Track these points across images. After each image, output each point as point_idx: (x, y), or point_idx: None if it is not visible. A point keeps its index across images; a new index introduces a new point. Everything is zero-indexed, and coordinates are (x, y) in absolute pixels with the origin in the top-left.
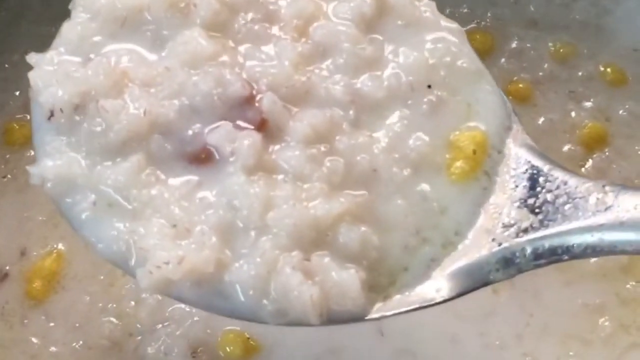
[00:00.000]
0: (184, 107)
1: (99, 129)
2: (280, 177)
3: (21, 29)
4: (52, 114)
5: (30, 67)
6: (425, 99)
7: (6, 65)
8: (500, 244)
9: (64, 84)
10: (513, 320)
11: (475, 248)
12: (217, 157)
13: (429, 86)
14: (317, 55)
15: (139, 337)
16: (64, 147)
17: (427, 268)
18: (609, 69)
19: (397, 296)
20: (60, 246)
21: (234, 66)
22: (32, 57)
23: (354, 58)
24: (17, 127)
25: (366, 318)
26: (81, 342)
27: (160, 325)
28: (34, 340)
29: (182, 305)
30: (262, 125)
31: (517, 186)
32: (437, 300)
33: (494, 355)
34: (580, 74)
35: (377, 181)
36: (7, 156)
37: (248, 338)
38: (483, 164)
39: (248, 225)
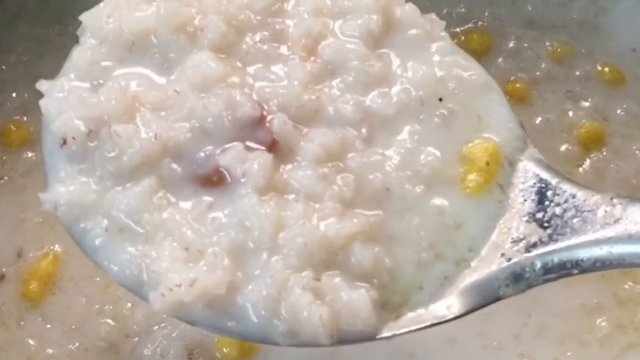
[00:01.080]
0: (195, 130)
1: (111, 154)
2: (292, 196)
3: (18, 31)
4: (64, 142)
5: (27, 71)
6: (437, 113)
7: (3, 67)
8: (509, 259)
9: (77, 110)
10: (511, 321)
11: (485, 264)
12: (228, 179)
13: (440, 99)
14: (326, 74)
15: (136, 339)
16: (75, 174)
17: (441, 286)
18: (606, 69)
19: (410, 314)
20: (57, 248)
21: (244, 87)
22: (42, 85)
23: (362, 75)
24: (14, 128)
25: (377, 337)
26: (77, 343)
27: (156, 327)
28: (31, 341)
29: None
30: (272, 146)
31: (525, 200)
32: (448, 318)
33: (491, 356)
34: (577, 73)
35: (390, 199)
36: (4, 158)
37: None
38: (497, 176)
39: (259, 245)
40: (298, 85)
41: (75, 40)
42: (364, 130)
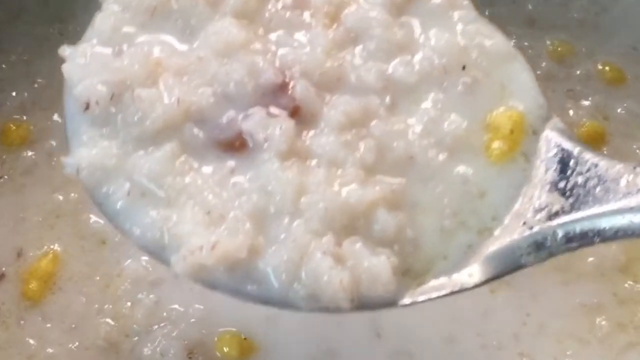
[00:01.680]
0: (217, 95)
1: (134, 118)
2: (314, 162)
3: (18, 30)
4: (87, 106)
5: (27, 70)
6: (460, 81)
7: (3, 66)
8: (531, 228)
9: (100, 74)
10: (510, 320)
11: (508, 232)
12: (250, 144)
13: (464, 67)
14: (349, 41)
15: (136, 338)
16: (98, 137)
17: (464, 255)
18: (607, 68)
19: (432, 282)
20: (57, 247)
21: (266, 54)
22: (64, 50)
23: (385, 43)
24: (13, 127)
25: (399, 304)
26: (77, 343)
27: (156, 326)
28: (31, 341)
29: (179, 306)
30: (295, 112)
31: (547, 169)
32: (469, 285)
33: (491, 356)
34: (578, 72)
35: (413, 167)
36: (4, 157)
37: (244, 339)
38: (521, 144)
39: (281, 210)
40: (320, 52)
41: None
42: (387, 99)
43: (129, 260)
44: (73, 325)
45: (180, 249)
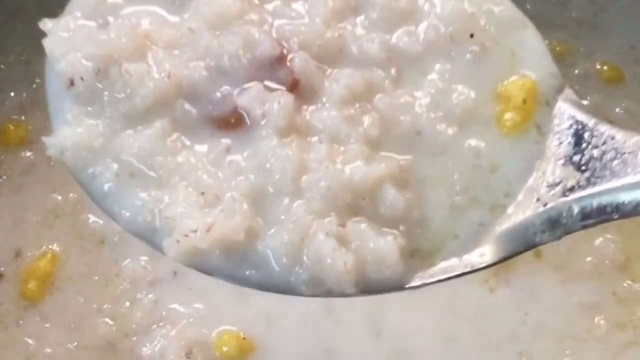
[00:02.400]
0: (211, 69)
1: (122, 94)
2: (315, 139)
3: (16, 30)
4: (71, 83)
5: (25, 70)
6: (468, 49)
7: (1, 66)
8: (545, 204)
9: (85, 48)
10: (509, 319)
11: (520, 209)
12: (247, 120)
13: (472, 35)
14: (350, 11)
15: (134, 338)
16: (83, 116)
17: (476, 234)
18: (605, 67)
19: (442, 264)
20: (55, 247)
21: (263, 25)
22: (46, 24)
23: (388, 12)
24: (12, 127)
25: (406, 286)
26: (76, 342)
27: (155, 326)
28: (30, 341)
29: (178, 306)
30: (294, 86)
31: (561, 143)
32: (481, 266)
33: (489, 355)
34: (576, 72)
35: (420, 142)
36: (2, 157)
37: (243, 338)
38: (534, 115)
39: (280, 190)
40: (320, 23)
41: None
42: (392, 71)
43: (128, 260)
44: (72, 325)
45: (173, 232)
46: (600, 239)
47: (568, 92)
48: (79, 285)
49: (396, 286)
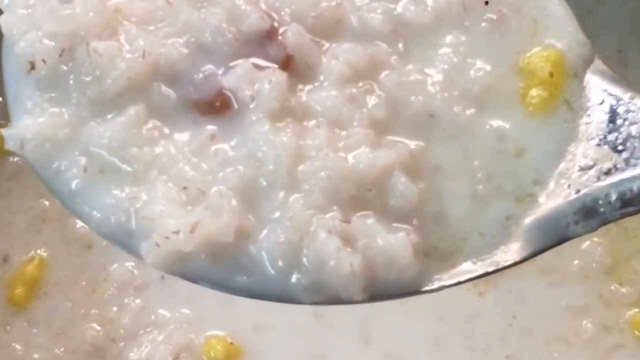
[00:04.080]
0: (191, 46)
1: (90, 77)
2: (313, 122)
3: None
4: (32, 66)
5: None
6: (484, 18)
7: None
8: (578, 191)
9: (46, 26)
10: (497, 322)
11: (551, 198)
12: (234, 103)
13: (487, 2)
14: None
15: (122, 343)
16: (46, 103)
17: (503, 228)
18: None
19: (464, 264)
20: (42, 252)
21: None
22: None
23: None
24: None
25: (421, 290)
26: (63, 348)
27: (142, 331)
28: (17, 346)
29: (165, 311)
30: (287, 63)
31: (594, 120)
32: (505, 264)
33: (478, 358)
34: None
35: (434, 125)
36: None
37: (231, 343)
38: (563, 89)
39: (275, 182)
40: None
41: None
42: (400, 45)
43: (115, 265)
44: (59, 331)
45: (152, 234)
46: (587, 242)
47: (597, 62)
48: (66, 290)
49: (410, 290)
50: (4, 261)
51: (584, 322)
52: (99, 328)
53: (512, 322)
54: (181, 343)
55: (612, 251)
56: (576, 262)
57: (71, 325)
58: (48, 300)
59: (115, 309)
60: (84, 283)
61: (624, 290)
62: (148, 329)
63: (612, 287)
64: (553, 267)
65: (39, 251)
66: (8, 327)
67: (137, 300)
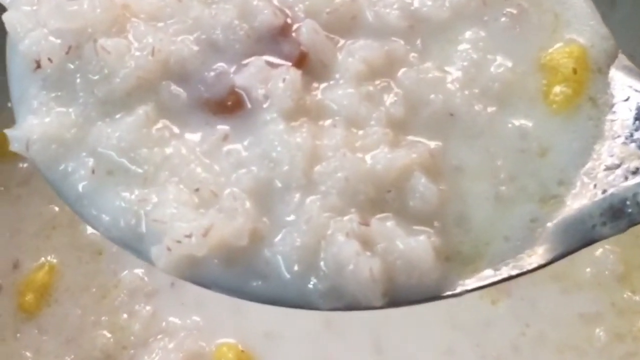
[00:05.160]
0: (202, 44)
1: (97, 76)
2: (329, 122)
3: None
4: (38, 65)
5: None
6: (504, 12)
7: None
8: (604, 191)
9: (52, 23)
10: (509, 331)
11: (577, 199)
12: (247, 102)
13: None
14: None
15: (132, 351)
16: (52, 103)
17: (529, 231)
18: None
19: (486, 270)
20: (53, 258)
21: None
22: None
23: None
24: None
25: (443, 295)
26: (74, 355)
27: (153, 338)
28: (27, 353)
29: (175, 318)
30: (301, 61)
31: (620, 117)
32: (530, 267)
33: None
34: None
35: (454, 124)
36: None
37: (242, 351)
38: (587, 86)
39: (290, 183)
40: None
41: None
42: (418, 41)
43: (126, 272)
44: (69, 338)
45: (163, 238)
46: (600, 249)
47: (621, 57)
48: (76, 297)
49: (431, 295)
50: (14, 268)
51: (597, 330)
52: (109, 335)
53: (524, 330)
54: (192, 350)
55: (625, 259)
56: (588, 269)
57: (81, 332)
58: (58, 307)
59: (125, 315)
60: (94, 290)
61: (636, 298)
62: (159, 336)
63: (625, 295)
64: (565, 275)
65: (49, 258)
66: (18, 335)
67: (148, 307)
